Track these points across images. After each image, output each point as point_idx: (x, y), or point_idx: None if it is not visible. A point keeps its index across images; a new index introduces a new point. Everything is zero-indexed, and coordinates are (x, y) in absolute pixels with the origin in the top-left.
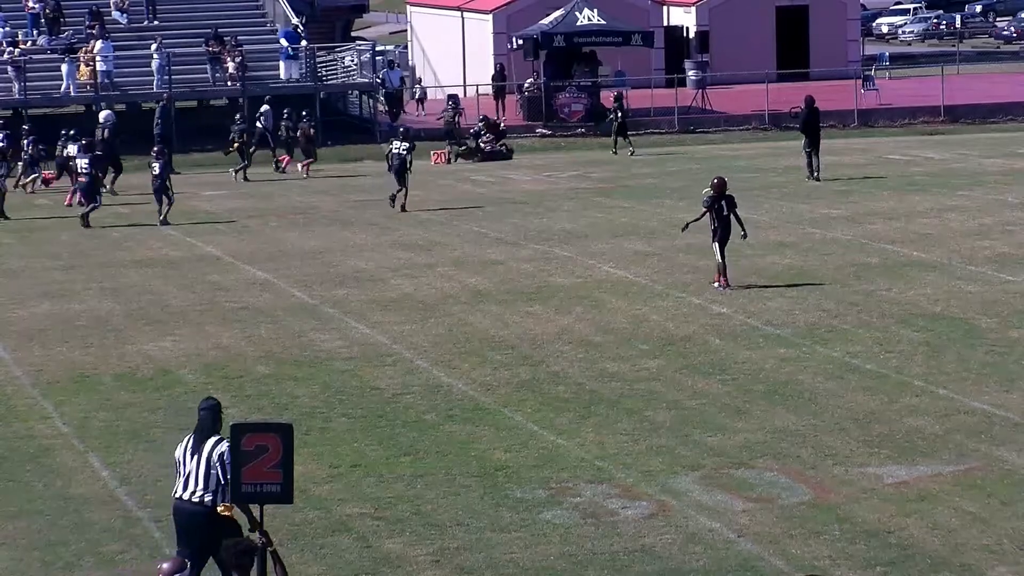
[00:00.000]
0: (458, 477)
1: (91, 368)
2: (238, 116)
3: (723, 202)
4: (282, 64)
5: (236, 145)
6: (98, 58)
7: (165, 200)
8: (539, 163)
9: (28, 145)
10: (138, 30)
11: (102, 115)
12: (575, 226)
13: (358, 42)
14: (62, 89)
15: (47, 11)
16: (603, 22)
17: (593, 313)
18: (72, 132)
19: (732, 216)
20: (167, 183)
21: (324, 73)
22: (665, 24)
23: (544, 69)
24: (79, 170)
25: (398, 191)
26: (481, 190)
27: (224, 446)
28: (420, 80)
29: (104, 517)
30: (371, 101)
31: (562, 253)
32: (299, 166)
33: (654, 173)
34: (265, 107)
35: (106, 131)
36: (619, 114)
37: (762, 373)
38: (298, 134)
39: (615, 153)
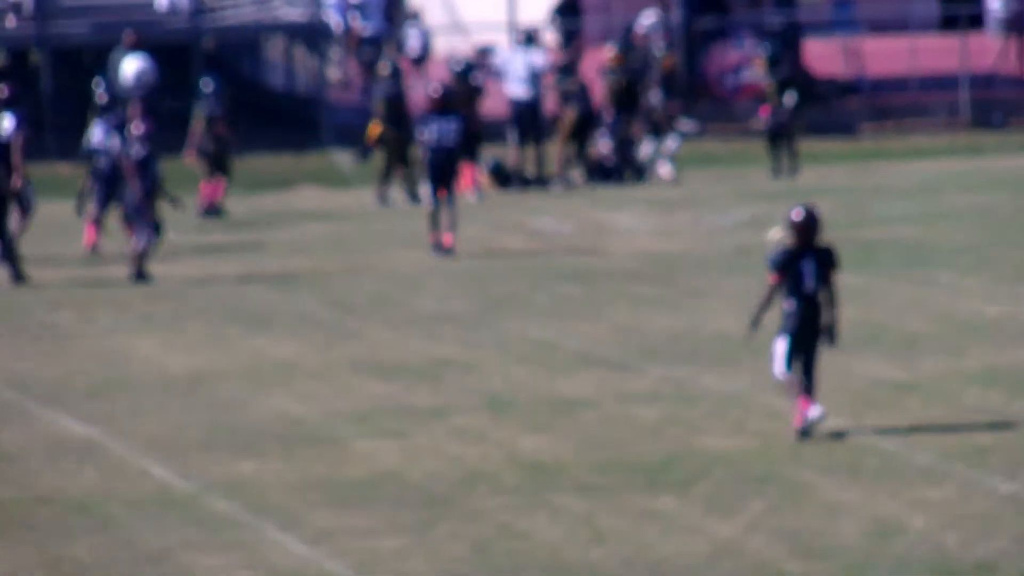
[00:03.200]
0: None
1: None
2: None
3: (807, 259)
4: None
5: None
6: None
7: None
8: (671, 193)
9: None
10: None
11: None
12: (746, 327)
13: None
14: None
15: None
16: None
17: (785, 511)
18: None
19: (825, 286)
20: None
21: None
22: None
23: None
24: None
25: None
26: (547, 247)
27: None
28: (416, 17)
29: None
30: (317, 60)
31: (718, 385)
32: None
33: (917, 214)
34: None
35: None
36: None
37: None
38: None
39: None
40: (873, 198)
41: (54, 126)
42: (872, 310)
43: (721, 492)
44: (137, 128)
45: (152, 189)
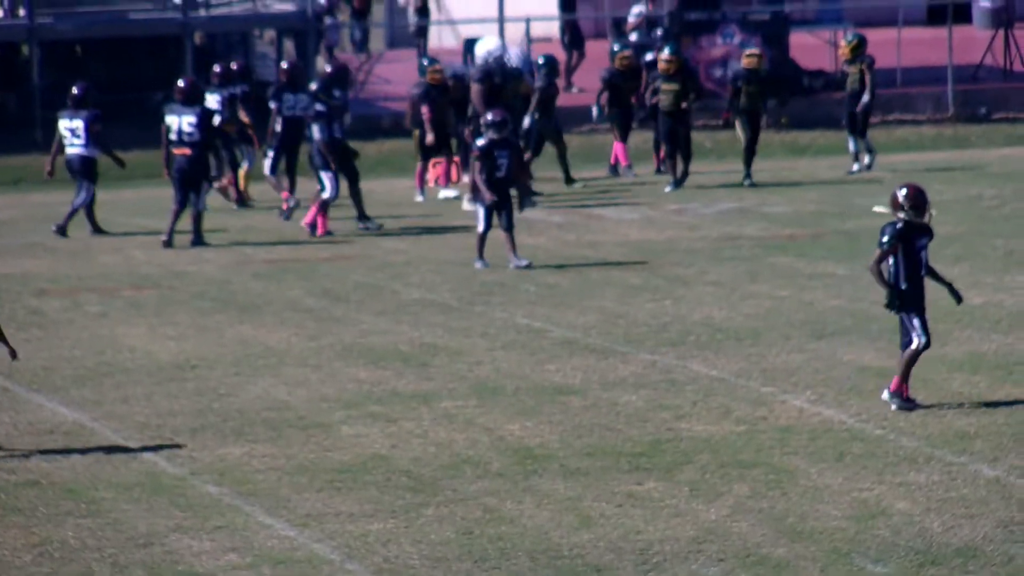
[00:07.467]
0: None
1: None
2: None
3: (918, 235)
4: None
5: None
6: None
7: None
8: (661, 186)
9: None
10: None
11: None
12: (731, 316)
13: None
14: None
15: None
16: None
17: (769, 496)
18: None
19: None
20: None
21: None
22: None
23: None
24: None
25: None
26: (538, 240)
27: None
28: (331, 12)
29: None
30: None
31: (704, 371)
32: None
33: None
34: None
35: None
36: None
37: None
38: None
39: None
40: (859, 190)
41: (44, 120)
42: (857, 299)
43: (706, 477)
44: (493, 114)
45: (494, 176)
